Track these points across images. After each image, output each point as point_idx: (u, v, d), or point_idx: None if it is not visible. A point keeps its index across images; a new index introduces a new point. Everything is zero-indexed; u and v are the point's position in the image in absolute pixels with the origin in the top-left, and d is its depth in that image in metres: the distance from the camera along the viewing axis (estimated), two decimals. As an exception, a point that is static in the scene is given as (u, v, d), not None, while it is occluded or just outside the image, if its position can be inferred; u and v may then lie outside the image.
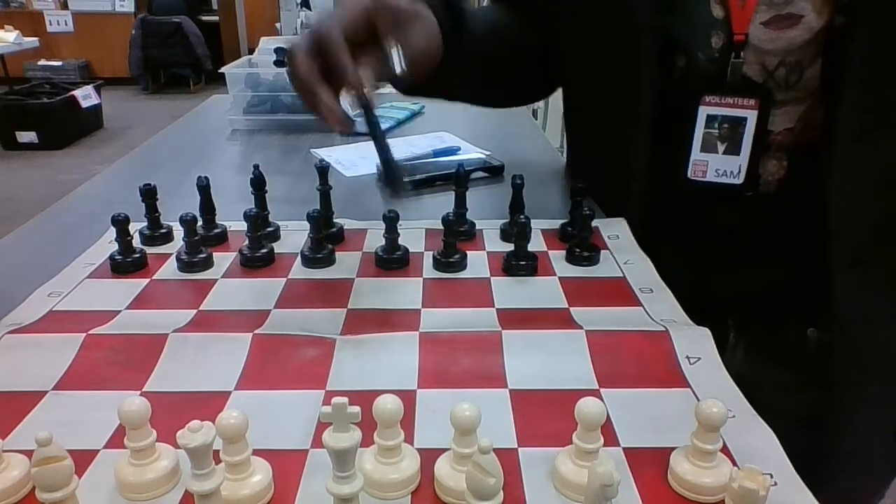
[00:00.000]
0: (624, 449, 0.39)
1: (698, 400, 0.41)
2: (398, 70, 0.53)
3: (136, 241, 0.63)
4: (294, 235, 0.66)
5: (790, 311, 0.65)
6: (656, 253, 0.62)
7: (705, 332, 0.49)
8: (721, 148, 0.61)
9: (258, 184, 0.66)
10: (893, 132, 0.57)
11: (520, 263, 0.60)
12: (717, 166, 0.61)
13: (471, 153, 0.95)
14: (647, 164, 0.65)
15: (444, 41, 0.62)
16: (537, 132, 1.23)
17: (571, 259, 0.62)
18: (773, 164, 0.63)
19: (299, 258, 0.62)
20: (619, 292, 0.57)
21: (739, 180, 0.61)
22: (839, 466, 0.59)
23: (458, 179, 0.67)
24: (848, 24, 0.55)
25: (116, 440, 0.39)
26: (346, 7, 0.54)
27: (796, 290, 0.64)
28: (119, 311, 0.53)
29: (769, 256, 0.66)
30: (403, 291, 0.57)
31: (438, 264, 0.60)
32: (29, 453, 0.32)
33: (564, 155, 0.98)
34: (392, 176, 0.52)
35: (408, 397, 0.41)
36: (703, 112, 0.61)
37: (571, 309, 0.54)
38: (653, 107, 0.63)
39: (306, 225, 0.61)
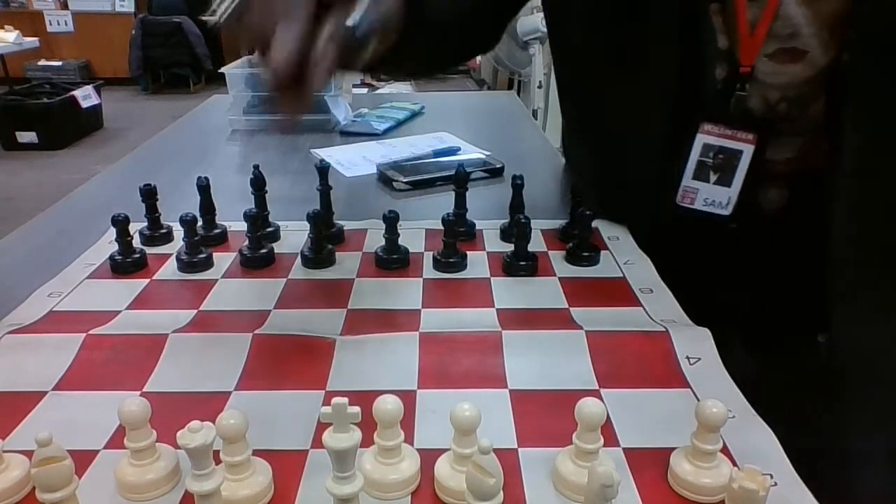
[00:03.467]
0: (624, 449, 0.39)
1: (698, 400, 0.41)
2: (359, 34, 0.42)
3: (136, 242, 0.63)
4: (294, 235, 0.66)
5: (797, 321, 0.64)
6: (657, 263, 0.61)
7: (705, 333, 0.49)
8: (713, 178, 0.61)
9: (258, 184, 0.66)
10: (893, 175, 0.55)
11: (520, 263, 0.60)
12: (706, 195, 0.61)
13: (471, 153, 0.95)
14: (654, 182, 0.63)
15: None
16: (537, 132, 1.23)
17: (571, 259, 0.62)
18: (773, 193, 0.62)
19: (299, 258, 0.62)
20: (619, 292, 0.57)
21: (727, 211, 0.61)
22: (844, 486, 0.58)
23: (458, 180, 0.67)
24: (853, 63, 0.53)
25: (116, 440, 0.39)
26: None
27: (802, 305, 0.63)
28: (119, 312, 0.53)
29: (772, 276, 0.65)
30: (403, 292, 0.57)
31: (438, 265, 0.60)
32: (29, 453, 0.32)
33: (564, 155, 0.98)
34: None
35: (408, 397, 0.41)
36: (700, 140, 0.60)
37: (571, 309, 0.54)
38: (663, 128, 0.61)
39: (306, 225, 0.61)
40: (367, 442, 0.34)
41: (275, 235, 0.67)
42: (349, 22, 0.41)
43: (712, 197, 0.61)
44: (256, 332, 0.49)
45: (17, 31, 5.17)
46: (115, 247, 0.61)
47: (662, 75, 0.60)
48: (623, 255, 0.63)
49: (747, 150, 0.59)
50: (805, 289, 0.61)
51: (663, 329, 0.49)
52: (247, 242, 0.62)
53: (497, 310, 0.54)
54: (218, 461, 0.34)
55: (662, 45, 0.59)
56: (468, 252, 0.62)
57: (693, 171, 0.61)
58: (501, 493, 0.31)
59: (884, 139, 0.54)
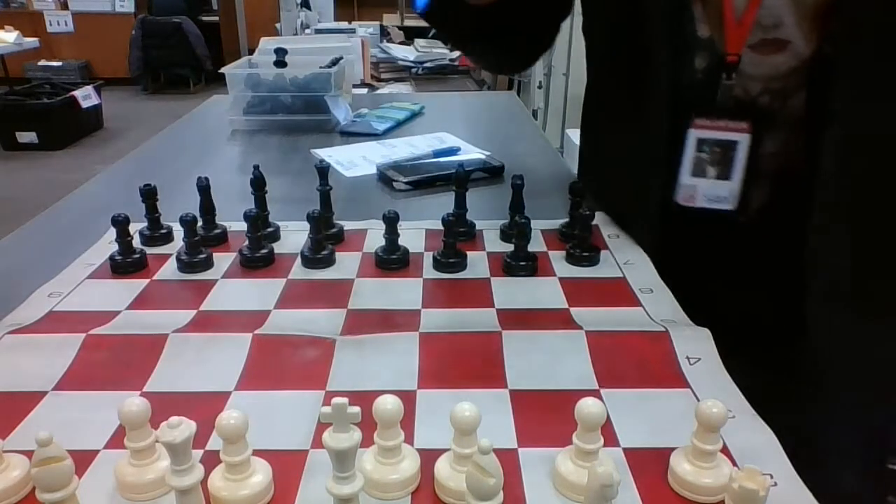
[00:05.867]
0: (624, 449, 0.39)
1: (698, 400, 0.41)
2: None
3: (137, 242, 0.63)
4: (294, 236, 0.66)
5: (778, 326, 0.63)
6: (663, 263, 0.61)
7: (705, 333, 0.49)
8: (712, 172, 0.59)
9: (258, 184, 0.66)
10: (876, 171, 0.54)
11: (520, 263, 0.60)
12: (707, 192, 0.60)
13: (471, 153, 0.95)
14: (654, 184, 0.61)
15: None
16: (537, 132, 1.23)
17: (571, 259, 0.62)
18: (757, 190, 0.61)
19: (299, 258, 0.62)
20: (619, 292, 0.57)
21: (732, 206, 0.59)
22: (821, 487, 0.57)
23: (458, 180, 0.67)
24: (836, 54, 0.52)
25: (116, 440, 0.39)
26: None
27: (782, 310, 0.61)
28: (119, 312, 0.53)
29: (753, 279, 0.64)
30: (403, 292, 0.57)
31: (438, 265, 0.60)
32: (29, 453, 0.32)
33: (566, 155, 0.97)
34: None
35: (408, 397, 0.41)
36: (693, 135, 0.58)
37: (571, 309, 0.54)
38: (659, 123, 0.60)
39: (306, 225, 0.61)
40: (367, 442, 0.34)
41: (275, 235, 0.67)
42: None
43: (714, 192, 0.59)
44: (256, 332, 0.49)
45: (17, 32, 5.16)
46: (115, 247, 0.61)
47: (655, 65, 0.59)
48: (623, 255, 0.63)
49: (743, 140, 0.58)
50: (785, 296, 0.60)
51: (663, 329, 0.49)
52: (247, 243, 0.62)
53: (497, 310, 0.54)
54: (218, 461, 0.34)
55: (654, 34, 0.58)
56: (468, 252, 0.62)
57: (690, 168, 0.59)
58: (501, 493, 0.31)
59: (864, 136, 0.53)
